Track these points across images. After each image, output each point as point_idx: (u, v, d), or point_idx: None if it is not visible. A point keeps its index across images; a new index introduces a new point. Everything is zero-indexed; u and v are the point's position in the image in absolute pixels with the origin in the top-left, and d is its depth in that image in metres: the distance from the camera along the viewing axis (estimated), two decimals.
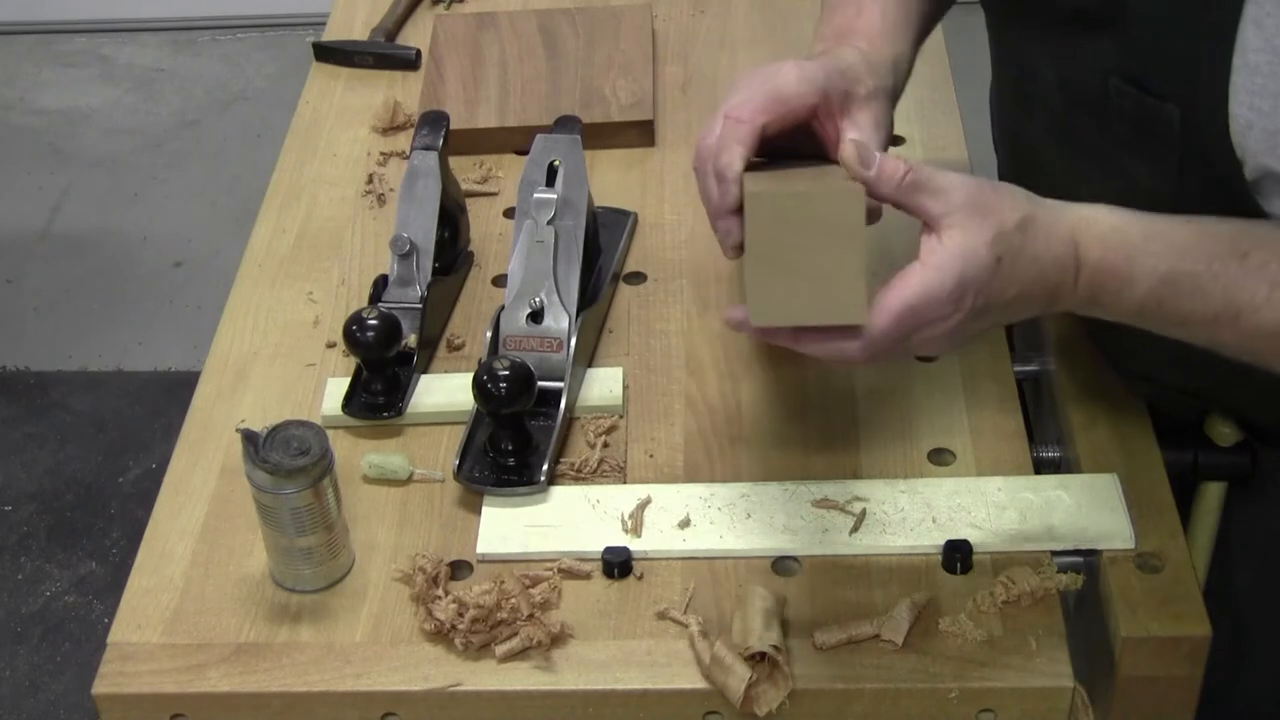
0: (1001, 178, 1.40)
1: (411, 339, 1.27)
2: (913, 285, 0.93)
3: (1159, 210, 1.04)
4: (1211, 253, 0.96)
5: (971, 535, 1.10)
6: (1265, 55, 0.92)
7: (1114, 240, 0.97)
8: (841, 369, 1.23)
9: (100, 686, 1.06)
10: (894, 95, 1.13)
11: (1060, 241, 0.96)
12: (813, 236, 0.93)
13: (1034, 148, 1.17)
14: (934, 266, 0.93)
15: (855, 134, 1.05)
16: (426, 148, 1.32)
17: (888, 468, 1.17)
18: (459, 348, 1.31)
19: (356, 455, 1.20)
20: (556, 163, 1.26)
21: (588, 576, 1.11)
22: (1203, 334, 0.98)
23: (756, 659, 1.01)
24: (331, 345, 1.31)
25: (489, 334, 1.24)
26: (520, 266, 1.25)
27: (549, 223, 1.24)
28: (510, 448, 1.17)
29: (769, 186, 0.96)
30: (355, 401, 1.24)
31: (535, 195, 1.25)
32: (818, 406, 1.22)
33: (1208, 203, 1.01)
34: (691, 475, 1.18)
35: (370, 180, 1.50)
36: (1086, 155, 1.09)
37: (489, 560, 1.12)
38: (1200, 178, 1.00)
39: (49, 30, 3.64)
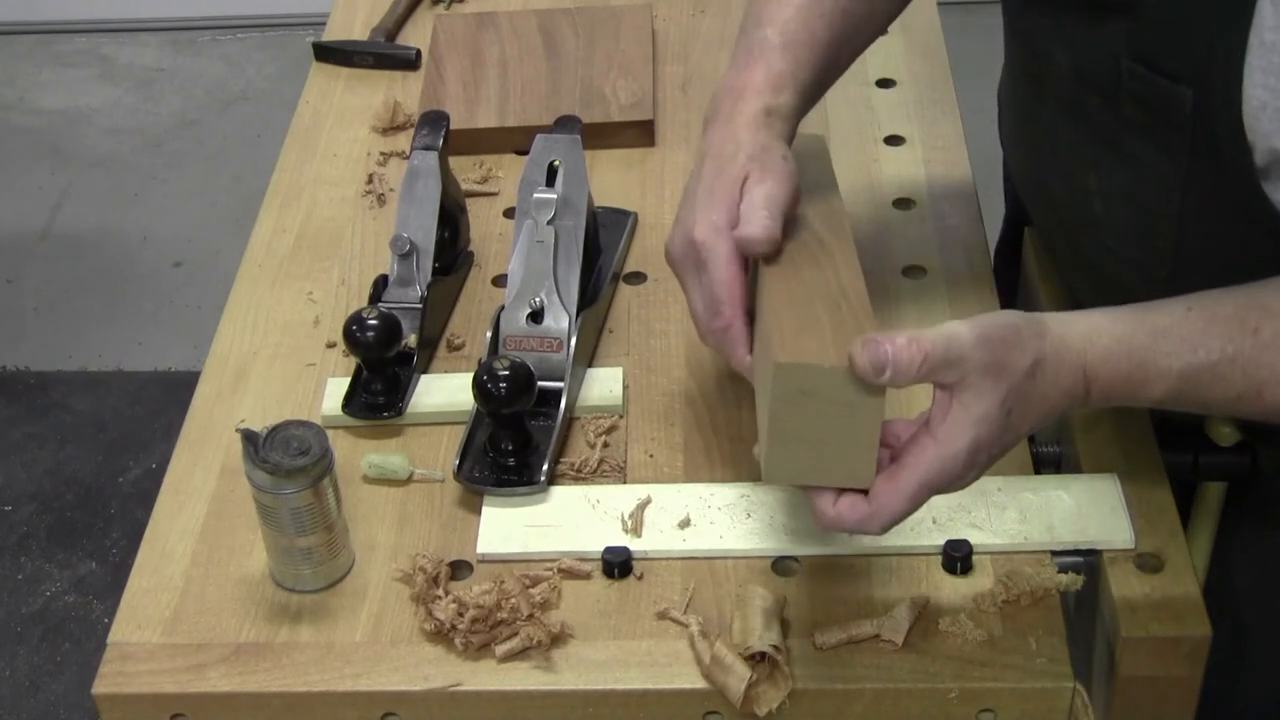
0: (1009, 169, 1.39)
1: (411, 339, 1.27)
2: (926, 461, 0.94)
3: (1168, 199, 1.03)
4: (1224, 338, 0.95)
5: (971, 535, 1.10)
6: None
7: (1120, 351, 0.96)
8: None
9: (100, 686, 1.06)
10: (789, 133, 1.12)
11: (1068, 372, 0.95)
12: (835, 408, 0.94)
13: (1047, 134, 1.16)
14: (945, 440, 0.93)
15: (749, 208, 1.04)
16: (426, 148, 1.32)
17: None
18: (459, 348, 1.31)
19: (356, 455, 1.20)
20: (556, 163, 1.26)
21: (588, 576, 1.11)
22: (1227, 412, 0.98)
23: (756, 659, 1.01)
24: (331, 345, 1.31)
25: (489, 334, 1.24)
26: (520, 266, 1.25)
27: (549, 223, 1.24)
28: (510, 448, 1.17)
29: (793, 343, 0.95)
30: (355, 401, 1.24)
31: (535, 195, 1.25)
32: None
33: (1216, 192, 1.00)
34: (691, 475, 1.18)
35: (370, 180, 1.50)
36: (1098, 140, 1.08)
37: (489, 560, 1.12)
38: (1210, 164, 0.99)
39: (49, 30, 3.64)
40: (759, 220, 1.03)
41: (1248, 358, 0.94)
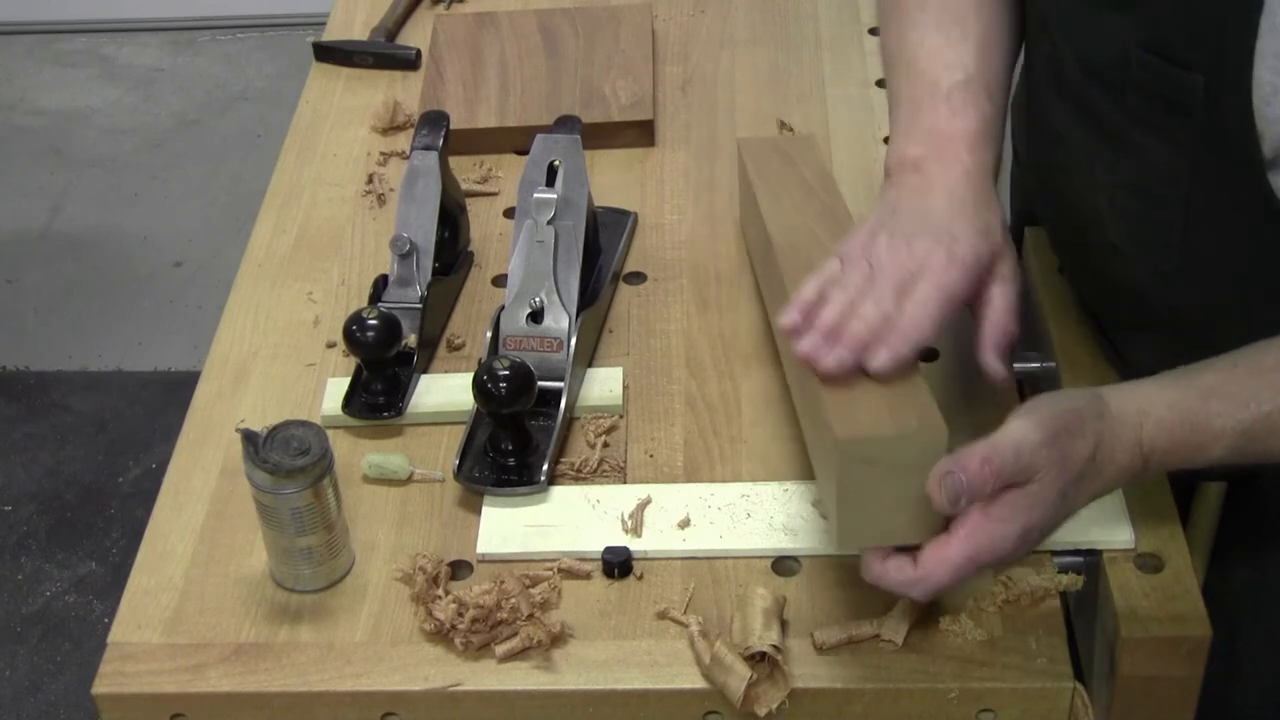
0: (1016, 172, 1.39)
1: (411, 339, 1.27)
2: (977, 538, 0.94)
3: (1174, 196, 1.03)
4: (1274, 387, 0.95)
5: None
6: None
7: (1173, 419, 0.96)
8: None
9: (100, 686, 1.06)
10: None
11: (1124, 450, 0.96)
12: (898, 472, 0.95)
13: (1057, 129, 1.16)
14: (1000, 520, 0.94)
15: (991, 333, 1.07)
16: (426, 148, 1.32)
17: None
18: (459, 348, 1.31)
19: (356, 455, 1.20)
20: (556, 163, 1.26)
21: (588, 576, 1.11)
22: None
23: (756, 659, 1.01)
24: (331, 345, 1.31)
25: (489, 334, 1.24)
26: (520, 266, 1.25)
27: (549, 223, 1.24)
28: (510, 448, 1.17)
29: (848, 414, 0.97)
30: (355, 401, 1.24)
31: (535, 195, 1.25)
32: None
33: (1224, 185, 1.00)
34: (691, 475, 1.18)
35: (370, 180, 1.50)
36: (1104, 134, 1.08)
37: (489, 560, 1.12)
38: (1218, 157, 0.99)
39: (49, 30, 3.64)
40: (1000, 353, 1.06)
41: None
